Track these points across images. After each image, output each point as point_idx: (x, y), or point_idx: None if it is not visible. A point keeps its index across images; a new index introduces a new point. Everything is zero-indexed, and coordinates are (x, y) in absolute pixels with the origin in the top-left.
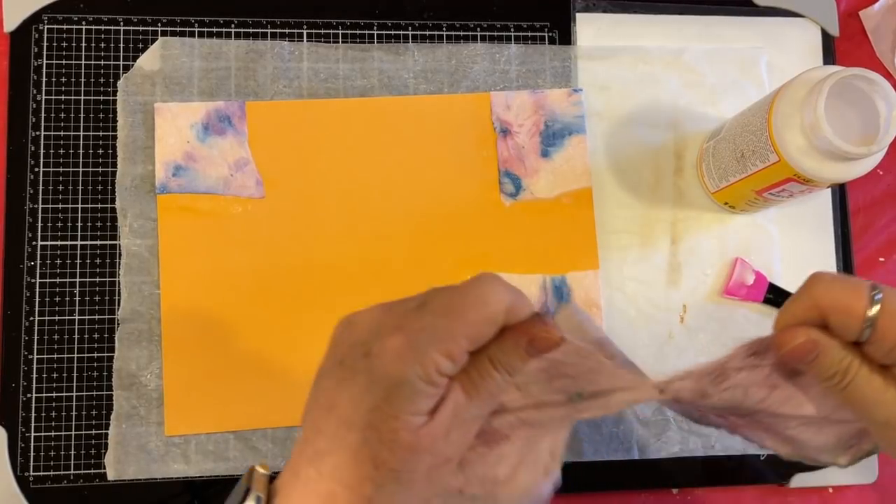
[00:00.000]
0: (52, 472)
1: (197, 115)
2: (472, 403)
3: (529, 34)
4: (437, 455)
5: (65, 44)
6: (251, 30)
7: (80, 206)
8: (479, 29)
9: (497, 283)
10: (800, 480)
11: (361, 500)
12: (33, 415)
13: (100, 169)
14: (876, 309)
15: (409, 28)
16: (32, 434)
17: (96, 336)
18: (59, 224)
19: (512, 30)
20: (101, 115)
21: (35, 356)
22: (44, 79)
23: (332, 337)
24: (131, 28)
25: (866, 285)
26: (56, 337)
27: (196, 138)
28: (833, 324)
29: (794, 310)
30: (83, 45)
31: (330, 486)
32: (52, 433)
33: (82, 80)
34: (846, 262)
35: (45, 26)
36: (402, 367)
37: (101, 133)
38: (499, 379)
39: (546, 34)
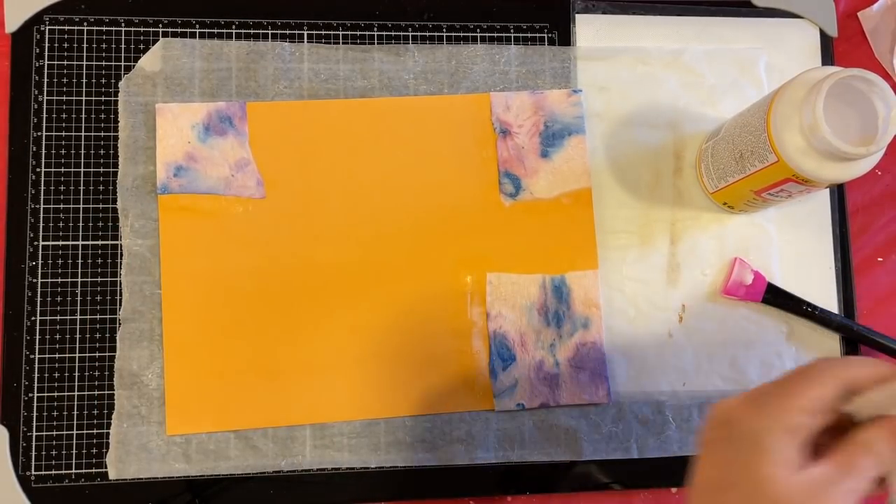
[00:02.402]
0: (53, 472)
1: (198, 116)
2: (841, 476)
3: (529, 35)
4: None
5: (66, 44)
6: (252, 31)
7: (81, 206)
8: (479, 30)
9: (829, 364)
10: None
11: None
12: (35, 414)
13: (101, 169)
14: None
15: (410, 29)
16: (34, 433)
17: (98, 336)
18: (61, 224)
19: (512, 31)
20: (103, 116)
21: (37, 356)
22: (45, 79)
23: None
24: (132, 29)
25: None
26: (57, 336)
27: (197, 139)
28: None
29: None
30: (84, 45)
31: None
32: (54, 432)
33: (83, 80)
34: (845, 262)
35: (47, 27)
36: (747, 422)
37: (102, 133)
38: (868, 462)
39: (546, 35)
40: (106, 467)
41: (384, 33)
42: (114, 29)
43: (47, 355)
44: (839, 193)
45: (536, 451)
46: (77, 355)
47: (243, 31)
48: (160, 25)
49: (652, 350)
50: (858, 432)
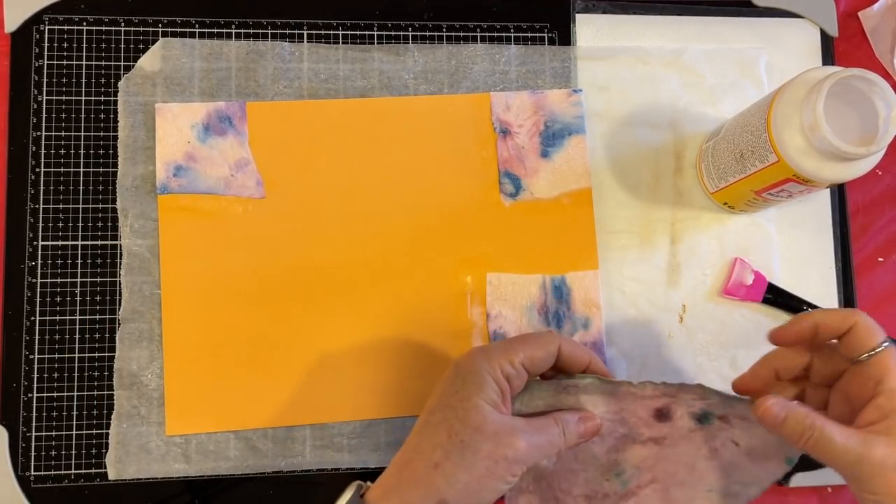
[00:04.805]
0: (52, 472)
1: (198, 116)
2: (536, 436)
3: (529, 35)
4: (499, 446)
5: (66, 44)
6: (252, 30)
7: (80, 206)
8: (479, 30)
9: (555, 335)
10: (799, 480)
11: (430, 463)
12: (34, 414)
13: (101, 169)
14: (886, 344)
15: (410, 29)
16: (33, 434)
17: (97, 336)
18: (60, 224)
19: (512, 30)
20: (102, 116)
21: (36, 356)
22: (45, 79)
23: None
24: (132, 29)
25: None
26: (57, 337)
27: (197, 139)
28: (856, 336)
29: (834, 315)
30: (84, 45)
31: (409, 456)
32: (53, 433)
33: (83, 80)
34: (845, 262)
35: (46, 27)
36: (476, 363)
37: (101, 133)
38: (555, 433)
39: (546, 35)
40: (105, 467)
41: (384, 33)
42: (113, 29)
43: (47, 355)
44: (839, 193)
45: None
46: (77, 355)
47: (243, 31)
48: (160, 25)
49: (652, 350)
50: (563, 411)
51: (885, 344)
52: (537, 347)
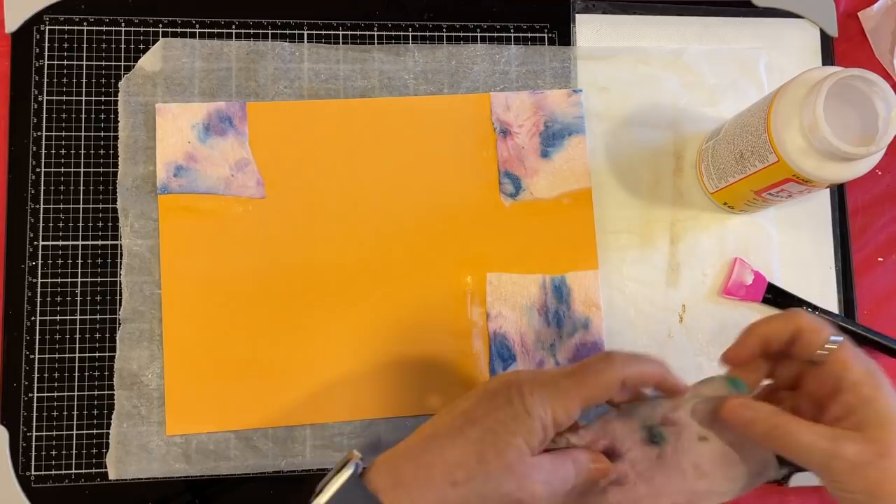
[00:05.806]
0: (53, 472)
1: (198, 116)
2: (553, 474)
3: (529, 35)
4: (520, 489)
5: (66, 44)
6: (252, 30)
7: (81, 206)
8: (479, 30)
9: (617, 360)
10: (799, 479)
11: (450, 478)
12: (35, 414)
13: (101, 169)
14: (836, 339)
15: (410, 29)
16: (34, 433)
17: (97, 336)
18: (61, 224)
19: (512, 31)
20: (103, 116)
21: (36, 356)
22: (45, 79)
23: (488, 380)
24: (132, 29)
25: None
26: (57, 337)
27: (197, 139)
28: (803, 339)
29: (775, 323)
30: (84, 45)
31: (432, 458)
32: (54, 432)
33: (83, 80)
34: (845, 262)
35: (47, 27)
36: (535, 407)
37: (102, 133)
38: (572, 471)
39: (546, 35)
40: (106, 467)
41: (384, 33)
42: (114, 29)
43: (47, 355)
44: (839, 193)
45: None
46: (77, 355)
47: (243, 31)
48: (160, 25)
49: (652, 350)
50: (577, 450)
51: (834, 338)
52: (597, 389)
